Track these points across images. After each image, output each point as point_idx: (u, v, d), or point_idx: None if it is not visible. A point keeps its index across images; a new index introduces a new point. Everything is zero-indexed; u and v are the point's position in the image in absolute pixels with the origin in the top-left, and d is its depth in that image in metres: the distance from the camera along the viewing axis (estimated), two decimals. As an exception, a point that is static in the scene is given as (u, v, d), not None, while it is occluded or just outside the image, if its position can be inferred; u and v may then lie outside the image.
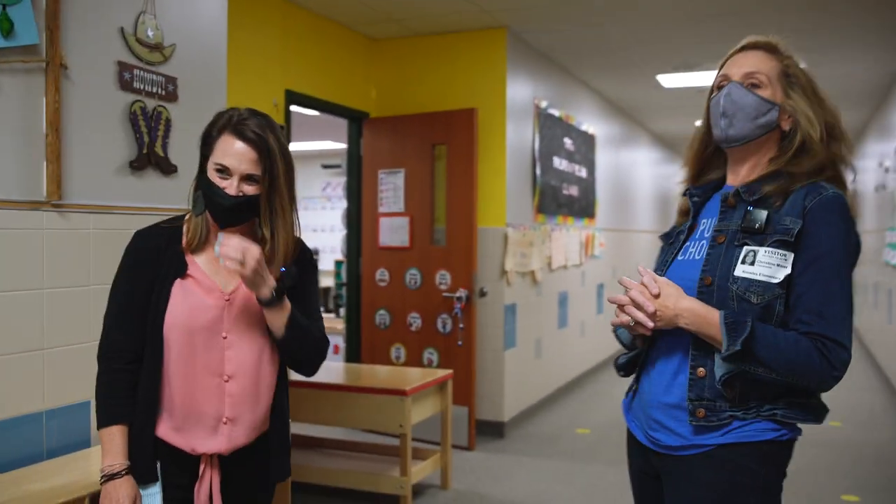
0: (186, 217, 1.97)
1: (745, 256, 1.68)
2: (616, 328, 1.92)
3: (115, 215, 2.75)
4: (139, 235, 1.96)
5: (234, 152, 1.83)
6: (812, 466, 4.93)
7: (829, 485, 4.65)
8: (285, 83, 4.98)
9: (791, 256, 1.65)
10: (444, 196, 5.58)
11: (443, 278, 5.53)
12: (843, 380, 1.64)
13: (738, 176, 1.83)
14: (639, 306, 1.70)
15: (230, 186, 1.83)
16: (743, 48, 1.85)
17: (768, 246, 1.66)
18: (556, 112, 6.65)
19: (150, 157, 2.89)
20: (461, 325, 5.43)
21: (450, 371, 4.67)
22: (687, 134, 11.20)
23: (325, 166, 12.75)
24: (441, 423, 4.62)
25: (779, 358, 1.60)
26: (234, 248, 1.79)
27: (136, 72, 2.82)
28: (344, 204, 13.69)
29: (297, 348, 1.98)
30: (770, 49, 1.82)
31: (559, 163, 6.76)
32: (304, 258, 2.06)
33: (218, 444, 1.91)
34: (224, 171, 1.84)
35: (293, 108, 5.21)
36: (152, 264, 1.91)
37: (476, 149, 5.42)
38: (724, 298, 1.68)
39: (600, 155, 8.19)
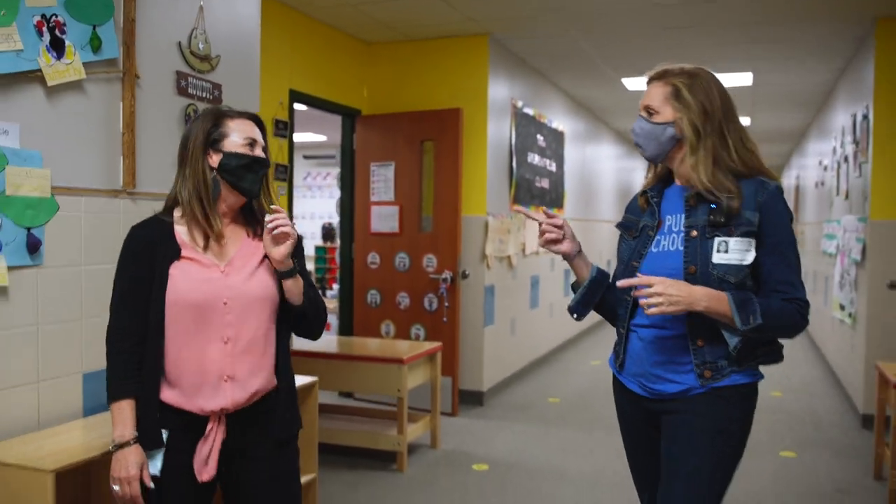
0: (178, 215, 2.13)
1: (718, 246, 2.05)
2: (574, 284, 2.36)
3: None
4: (136, 228, 2.14)
5: (251, 128, 2.14)
6: (755, 429, 5.54)
7: (770, 444, 5.31)
8: (290, 83, 5.49)
9: (754, 242, 2.04)
10: (432, 187, 6.13)
11: (429, 261, 6.09)
12: (784, 357, 2.17)
13: (682, 176, 2.20)
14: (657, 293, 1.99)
15: (258, 153, 2.13)
16: (647, 82, 2.24)
17: (737, 236, 2.04)
18: (530, 111, 7.24)
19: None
20: (446, 304, 6.00)
21: (439, 343, 5.24)
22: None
23: (308, 157, 13.11)
24: (431, 390, 5.18)
25: (777, 323, 2.01)
26: (286, 219, 2.07)
27: (190, 80, 3.31)
28: (325, 193, 14.21)
29: (312, 315, 2.19)
30: (660, 77, 2.19)
31: (532, 157, 7.35)
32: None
33: (223, 400, 2.05)
34: (254, 142, 2.12)
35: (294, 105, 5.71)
36: (149, 253, 2.07)
37: (461, 145, 5.98)
38: (708, 282, 2.04)
39: (568, 150, 8.81)
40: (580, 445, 5.27)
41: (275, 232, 2.07)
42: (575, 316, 2.36)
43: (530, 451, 5.15)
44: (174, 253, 2.08)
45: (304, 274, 2.23)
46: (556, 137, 8.23)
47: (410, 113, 6.21)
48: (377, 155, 6.32)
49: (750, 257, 2.04)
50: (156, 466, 2.05)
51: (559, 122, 8.36)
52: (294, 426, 2.23)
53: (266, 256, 2.15)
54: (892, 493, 4.12)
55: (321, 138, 12.03)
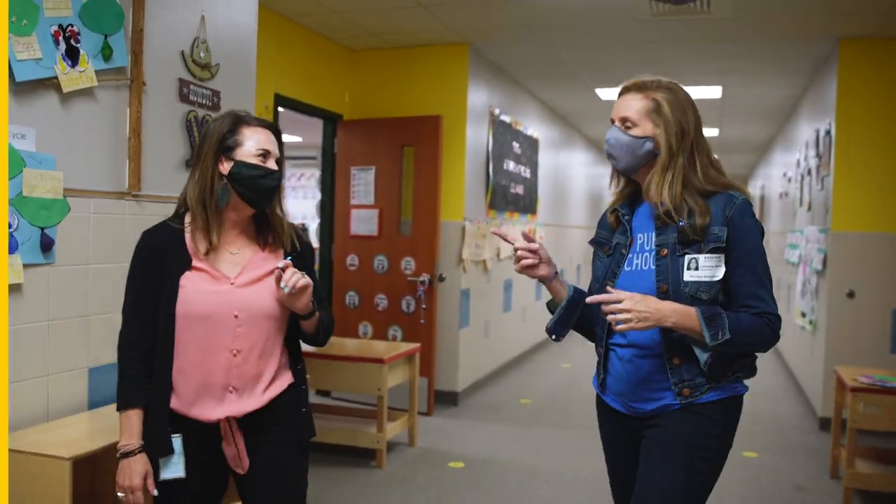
0: (188, 221, 2.12)
1: (689, 264, 2.05)
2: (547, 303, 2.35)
3: (175, 204, 3.37)
4: (147, 234, 2.14)
5: (268, 139, 2.11)
6: (720, 430, 5.83)
7: (733, 444, 5.52)
8: (275, 87, 5.61)
9: (723, 257, 2.03)
10: (411, 191, 6.28)
11: (407, 264, 6.24)
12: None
13: (650, 193, 2.14)
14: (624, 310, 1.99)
15: (271, 165, 2.10)
16: (622, 91, 2.19)
17: (707, 253, 2.04)
18: (506, 118, 7.43)
19: (200, 158, 3.52)
20: (423, 306, 6.16)
21: (418, 344, 5.39)
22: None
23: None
24: (409, 389, 5.33)
25: (746, 338, 2.01)
26: (298, 276, 2.03)
27: (191, 87, 3.44)
28: (300, 194, 14.26)
29: (323, 334, 2.24)
30: (639, 88, 2.15)
31: (508, 164, 7.54)
32: (306, 246, 2.27)
33: (229, 409, 2.07)
34: (267, 153, 2.09)
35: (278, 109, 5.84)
36: (160, 261, 2.07)
37: (441, 152, 6.14)
38: (681, 300, 2.03)
39: (542, 157, 9.01)
40: (552, 445, 5.46)
41: (295, 292, 2.04)
42: (553, 337, 2.32)
43: (504, 450, 5.32)
44: (185, 262, 2.08)
45: (316, 289, 2.19)
46: (531, 144, 8.43)
47: (391, 119, 6.36)
48: (358, 159, 6.46)
49: (720, 273, 2.04)
50: (178, 470, 2.08)
51: (534, 129, 8.56)
52: (303, 430, 2.23)
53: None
54: (847, 490, 4.35)
55: (297, 139, 12.12)
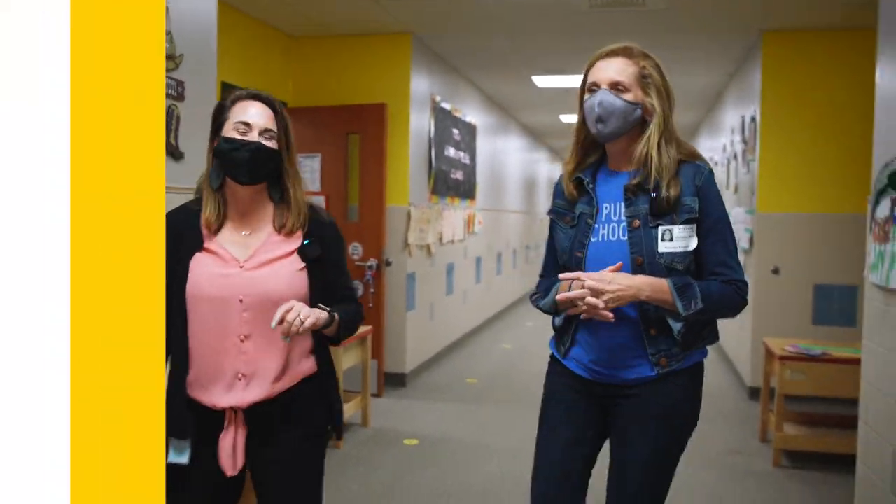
0: (204, 202, 2.09)
1: (663, 235, 2.05)
2: (536, 301, 2.30)
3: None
4: (166, 215, 2.18)
5: (254, 111, 2.03)
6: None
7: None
8: (222, 76, 5.64)
9: (695, 227, 2.05)
10: (357, 178, 6.40)
11: (355, 249, 6.37)
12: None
13: (619, 161, 2.17)
14: (596, 293, 2.00)
15: (251, 137, 2.01)
16: (606, 55, 2.18)
17: (680, 224, 2.05)
18: (447, 106, 7.59)
19: (167, 147, 3.60)
20: (372, 290, 6.30)
21: (370, 327, 5.54)
22: (551, 125, 12.46)
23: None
24: (362, 371, 5.48)
25: (717, 306, 2.05)
26: (299, 320, 1.91)
27: (155, 77, 3.51)
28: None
29: (344, 335, 2.15)
30: (628, 54, 2.16)
31: (449, 150, 7.71)
32: (328, 227, 2.19)
33: (235, 398, 2.01)
34: (246, 126, 2.01)
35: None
36: (175, 242, 2.02)
37: (386, 139, 6.28)
38: (656, 272, 2.04)
39: (480, 143, 9.21)
40: (500, 421, 5.68)
41: (304, 326, 1.94)
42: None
43: (455, 427, 5.51)
44: (197, 244, 2.06)
45: (341, 271, 2.19)
46: (470, 131, 8.62)
47: (336, 107, 6.45)
48: (303, 147, 6.52)
49: (693, 243, 2.06)
50: (184, 456, 2.02)
51: (472, 116, 8.75)
52: (320, 420, 2.15)
53: (292, 252, 2.09)
54: (776, 451, 4.71)
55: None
